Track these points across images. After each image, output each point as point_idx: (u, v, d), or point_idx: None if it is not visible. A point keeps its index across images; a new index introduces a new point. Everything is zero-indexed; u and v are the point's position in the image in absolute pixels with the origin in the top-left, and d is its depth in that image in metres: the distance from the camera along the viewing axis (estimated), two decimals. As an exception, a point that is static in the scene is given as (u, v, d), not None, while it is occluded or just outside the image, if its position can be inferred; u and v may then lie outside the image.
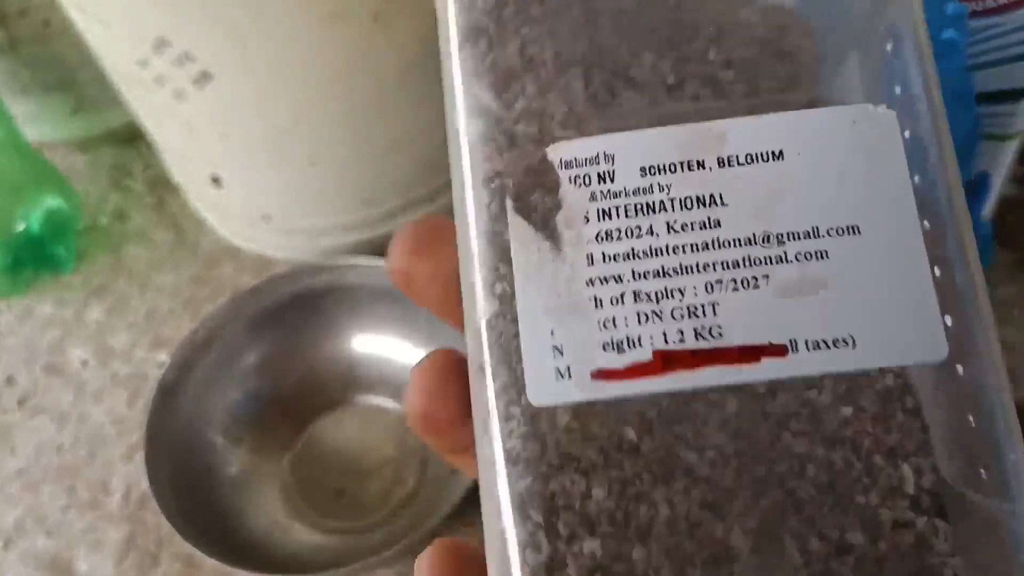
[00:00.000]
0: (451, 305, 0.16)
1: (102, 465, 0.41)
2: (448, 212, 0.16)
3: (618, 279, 0.14)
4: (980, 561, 0.13)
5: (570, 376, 0.14)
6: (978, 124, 0.28)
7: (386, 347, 0.41)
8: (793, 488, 0.14)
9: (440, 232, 0.16)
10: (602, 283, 0.14)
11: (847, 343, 0.13)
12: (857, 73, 0.15)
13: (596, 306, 0.14)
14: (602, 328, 0.14)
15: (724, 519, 0.14)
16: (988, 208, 0.33)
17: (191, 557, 0.37)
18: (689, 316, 0.14)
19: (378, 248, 0.42)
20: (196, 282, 0.47)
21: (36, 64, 0.48)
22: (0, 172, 0.44)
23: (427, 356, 0.17)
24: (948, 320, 0.14)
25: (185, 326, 0.45)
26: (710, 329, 0.14)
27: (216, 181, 0.41)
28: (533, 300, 0.14)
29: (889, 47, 0.15)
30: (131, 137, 0.50)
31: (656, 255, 0.14)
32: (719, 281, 0.14)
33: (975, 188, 0.28)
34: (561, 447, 0.14)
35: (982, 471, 0.13)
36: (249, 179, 0.40)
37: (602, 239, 0.14)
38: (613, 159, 0.14)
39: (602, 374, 0.14)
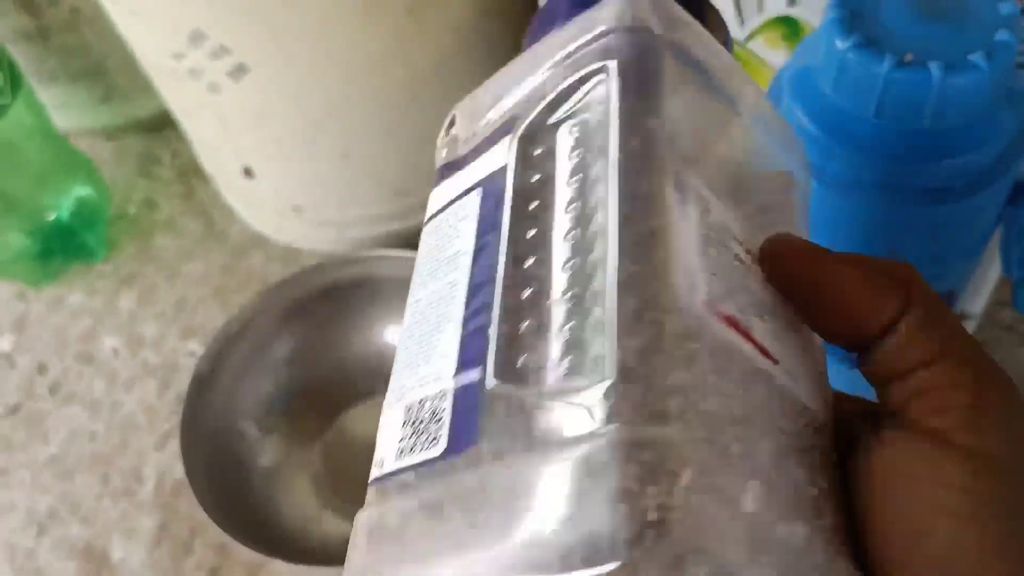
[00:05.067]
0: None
1: (134, 453, 0.42)
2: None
3: None
4: None
5: None
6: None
7: (416, 339, 0.41)
8: None
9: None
10: None
11: None
12: None
13: None
14: None
15: None
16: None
17: (224, 546, 0.38)
18: None
19: (408, 239, 0.42)
20: (225, 271, 0.47)
21: (65, 52, 0.48)
22: (30, 161, 0.44)
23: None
24: None
25: (214, 315, 0.45)
26: None
27: (248, 172, 0.41)
28: None
29: None
30: (160, 125, 0.50)
31: None
32: None
33: (1020, 193, 0.27)
34: None
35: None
36: (281, 171, 0.40)
37: None
38: None
39: None
